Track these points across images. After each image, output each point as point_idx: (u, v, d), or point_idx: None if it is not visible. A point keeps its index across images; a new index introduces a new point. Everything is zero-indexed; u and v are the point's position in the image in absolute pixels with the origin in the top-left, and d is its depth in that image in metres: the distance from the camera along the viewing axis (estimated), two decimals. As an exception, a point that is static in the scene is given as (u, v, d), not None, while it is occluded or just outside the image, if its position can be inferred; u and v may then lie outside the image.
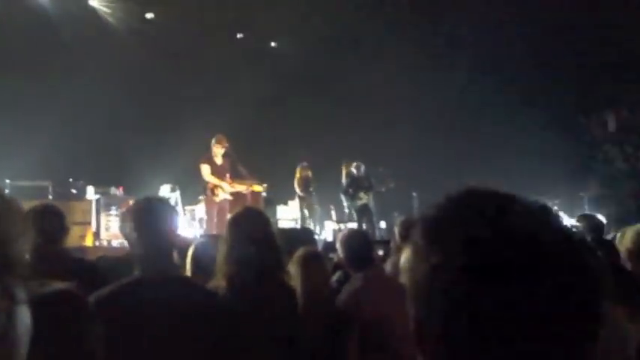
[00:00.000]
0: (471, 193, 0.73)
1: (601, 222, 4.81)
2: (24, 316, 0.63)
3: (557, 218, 0.72)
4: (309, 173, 11.11)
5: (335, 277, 4.30)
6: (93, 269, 3.49)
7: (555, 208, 10.81)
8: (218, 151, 9.09)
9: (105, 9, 12.37)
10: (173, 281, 2.37)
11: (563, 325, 0.65)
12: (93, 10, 12.33)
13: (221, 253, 2.61)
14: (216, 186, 9.00)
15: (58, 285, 1.30)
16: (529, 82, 13.45)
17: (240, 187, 9.34)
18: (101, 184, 9.97)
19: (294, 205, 11.64)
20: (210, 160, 9.05)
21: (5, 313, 0.61)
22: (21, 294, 0.62)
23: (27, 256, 0.65)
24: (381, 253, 5.61)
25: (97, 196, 9.64)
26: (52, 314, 1.09)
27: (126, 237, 2.56)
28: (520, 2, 12.48)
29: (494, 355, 0.65)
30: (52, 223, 3.33)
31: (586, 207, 13.31)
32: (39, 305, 1.22)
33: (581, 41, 13.05)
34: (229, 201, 9.09)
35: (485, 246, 0.67)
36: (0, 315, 0.60)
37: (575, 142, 14.95)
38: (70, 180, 9.80)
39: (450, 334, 0.68)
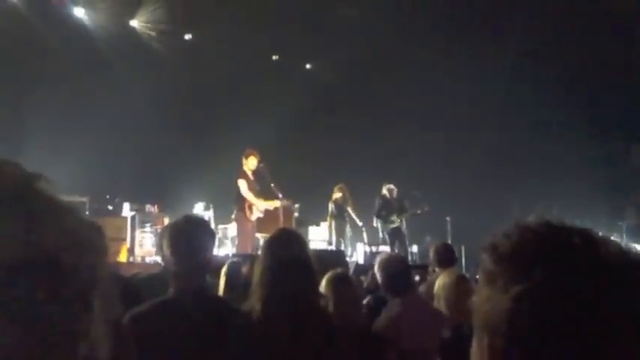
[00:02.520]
0: (548, 224, 0.72)
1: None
2: (108, 331, 0.66)
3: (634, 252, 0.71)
4: (345, 195, 11.07)
5: (365, 301, 4.24)
6: (128, 286, 3.49)
7: None
8: (251, 165, 8.93)
9: (145, 29, 12.64)
10: (207, 300, 2.36)
11: None
12: (133, 30, 12.62)
13: (256, 275, 2.58)
14: (251, 204, 8.91)
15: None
16: (570, 108, 13.24)
17: (272, 204, 9.22)
18: (137, 202, 10.09)
19: (325, 226, 11.59)
20: (246, 176, 8.90)
21: (101, 331, 0.65)
22: (107, 315, 0.66)
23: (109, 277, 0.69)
24: (417, 278, 5.53)
25: (133, 213, 9.76)
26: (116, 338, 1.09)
27: (162, 254, 2.57)
28: (563, 24, 12.32)
29: None
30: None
31: (624, 235, 12.97)
32: None
33: (622, 68, 12.84)
34: (260, 219, 8.99)
35: (575, 279, 0.65)
36: (98, 332, 0.64)
37: (615, 170, 14.60)
38: (107, 197, 9.95)
39: None
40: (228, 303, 2.74)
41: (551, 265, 0.67)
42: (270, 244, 2.67)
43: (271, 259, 2.55)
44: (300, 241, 2.70)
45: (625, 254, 0.68)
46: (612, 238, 0.73)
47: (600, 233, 0.73)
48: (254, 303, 2.51)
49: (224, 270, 4.30)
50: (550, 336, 0.65)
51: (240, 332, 2.27)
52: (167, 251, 2.47)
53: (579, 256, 0.67)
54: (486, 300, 0.70)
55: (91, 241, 0.64)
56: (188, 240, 2.41)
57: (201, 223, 2.62)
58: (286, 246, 2.60)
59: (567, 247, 0.68)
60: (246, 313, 2.46)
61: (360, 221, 11.32)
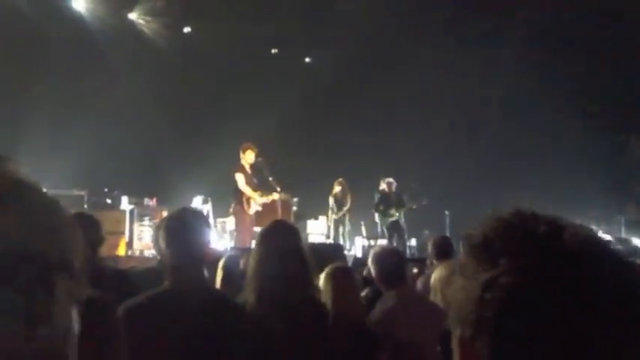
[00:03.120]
0: (519, 213, 0.72)
1: (637, 246, 4.67)
2: (76, 319, 0.65)
3: (607, 243, 0.71)
4: (345, 189, 11.09)
5: (363, 293, 4.25)
6: (126, 279, 3.50)
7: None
8: (248, 159, 8.94)
9: (143, 22, 12.62)
10: (202, 293, 2.36)
11: (616, 350, 0.63)
12: (131, 23, 12.59)
13: (250, 266, 2.59)
14: (249, 197, 8.92)
15: (89, 292, 1.31)
16: (569, 99, 13.21)
17: (270, 198, 9.24)
18: (135, 195, 10.11)
19: (324, 219, 11.62)
20: (243, 170, 8.91)
21: (66, 313, 0.63)
22: (76, 296, 0.65)
23: (82, 260, 0.68)
24: (415, 270, 5.54)
25: (131, 207, 9.77)
26: (82, 319, 1.10)
27: (157, 247, 2.57)
28: (562, 19, 12.29)
29: None
30: (86, 232, 3.35)
31: (623, 229, 12.97)
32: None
33: (622, 61, 12.81)
34: (258, 213, 9.00)
35: (538, 266, 0.66)
36: (62, 314, 0.63)
37: (615, 163, 14.57)
38: (106, 190, 9.96)
39: (498, 355, 0.66)
40: (225, 295, 2.75)
41: (516, 253, 0.67)
42: (264, 235, 2.68)
43: (265, 251, 2.56)
44: (294, 233, 2.70)
45: (591, 242, 0.69)
46: (588, 226, 0.73)
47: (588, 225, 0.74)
48: (248, 295, 2.52)
49: (221, 263, 4.30)
50: (515, 324, 0.65)
51: (235, 324, 2.28)
52: (162, 244, 2.47)
53: (543, 244, 0.67)
54: (459, 290, 0.71)
55: (51, 222, 0.64)
56: (183, 233, 2.41)
57: (196, 216, 2.62)
58: (280, 237, 2.61)
59: (533, 236, 0.68)
60: (240, 305, 2.47)
61: (353, 217, 11.38)
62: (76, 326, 0.65)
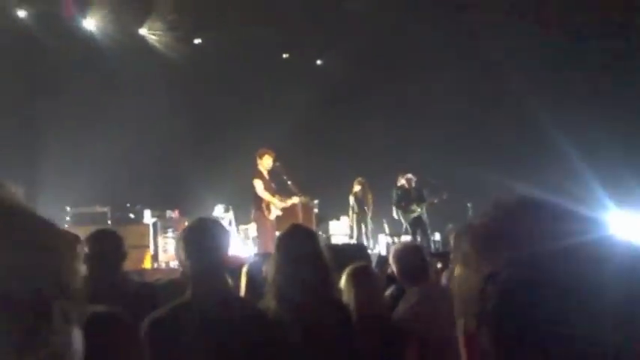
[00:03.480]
0: (522, 202, 0.71)
1: None
2: (78, 337, 0.65)
3: (611, 235, 0.70)
4: (365, 188, 11.08)
5: (389, 291, 4.23)
6: (152, 292, 3.54)
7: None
8: (266, 164, 8.93)
9: (154, 37, 12.75)
10: (223, 301, 2.37)
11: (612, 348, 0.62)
12: (142, 39, 12.73)
13: (270, 272, 2.60)
14: (268, 203, 8.95)
15: (101, 308, 1.33)
16: (595, 86, 13.01)
17: (289, 202, 9.23)
18: (157, 208, 10.20)
19: (346, 220, 11.61)
20: (261, 176, 8.90)
21: (64, 334, 0.63)
22: (75, 316, 0.65)
23: (80, 280, 0.68)
24: (439, 265, 5.51)
25: (154, 220, 9.86)
26: (92, 336, 1.11)
27: (179, 258, 2.60)
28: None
29: None
30: (109, 247, 3.40)
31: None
32: (92, 326, 1.25)
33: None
34: (279, 217, 8.99)
35: (540, 257, 0.65)
36: (59, 337, 0.62)
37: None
38: (128, 205, 10.07)
39: (500, 346, 0.66)
40: (247, 302, 2.76)
41: (518, 245, 0.67)
42: (281, 241, 2.69)
43: (283, 256, 2.57)
44: (312, 236, 2.71)
45: (595, 237, 0.68)
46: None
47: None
48: (269, 301, 2.53)
49: (245, 270, 4.33)
50: (515, 317, 0.64)
51: (257, 331, 2.28)
52: (182, 255, 2.50)
53: (546, 237, 0.67)
54: (462, 281, 0.71)
55: (45, 246, 0.64)
56: (201, 242, 2.44)
57: (214, 224, 2.63)
58: (297, 242, 2.61)
59: (536, 227, 0.68)
60: (262, 311, 2.48)
61: (375, 215, 11.36)
62: (79, 344, 0.66)
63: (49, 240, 0.65)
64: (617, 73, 13.57)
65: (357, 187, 11.12)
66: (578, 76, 13.24)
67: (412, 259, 3.33)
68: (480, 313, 0.68)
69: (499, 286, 0.66)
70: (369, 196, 11.11)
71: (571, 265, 0.64)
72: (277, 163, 9.04)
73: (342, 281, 2.99)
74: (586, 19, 12.48)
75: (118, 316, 1.38)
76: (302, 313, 2.44)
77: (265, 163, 8.93)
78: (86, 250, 3.29)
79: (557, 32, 12.93)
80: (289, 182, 9.18)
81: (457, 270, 3.37)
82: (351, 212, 11.30)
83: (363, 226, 11.17)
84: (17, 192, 0.69)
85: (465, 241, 0.75)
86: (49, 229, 0.66)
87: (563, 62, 13.33)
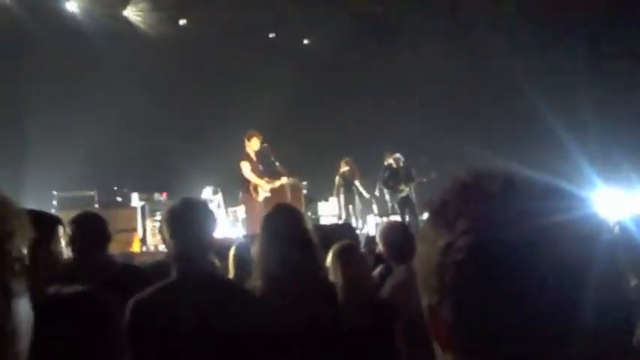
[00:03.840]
0: (474, 173, 0.70)
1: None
2: (23, 309, 0.63)
3: (560, 194, 0.69)
4: (352, 168, 11.06)
5: (377, 270, 4.24)
6: (137, 273, 3.52)
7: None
8: (254, 146, 8.93)
9: (138, 18, 12.59)
10: (208, 282, 2.36)
11: (577, 308, 0.62)
12: (126, 20, 12.56)
13: (255, 252, 2.59)
14: (256, 185, 8.93)
15: (77, 287, 1.32)
16: (583, 66, 13.02)
17: (277, 183, 9.22)
18: (145, 191, 10.16)
19: (334, 200, 11.61)
20: (248, 158, 8.91)
21: (2, 304, 0.61)
22: (18, 287, 0.62)
23: (24, 253, 0.65)
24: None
25: (142, 203, 9.83)
26: (67, 314, 1.10)
27: (163, 239, 2.58)
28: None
29: (508, 339, 0.63)
30: (92, 230, 3.38)
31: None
32: (57, 305, 1.24)
33: None
34: (268, 198, 8.99)
35: (490, 225, 0.65)
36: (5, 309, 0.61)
37: (631, 118, 14.22)
38: (115, 188, 10.01)
39: (461, 318, 0.66)
40: (232, 282, 2.76)
41: (471, 214, 0.66)
42: (266, 220, 2.67)
43: (268, 235, 2.56)
44: (297, 215, 2.69)
45: (544, 196, 0.67)
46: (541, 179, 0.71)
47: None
48: (255, 280, 2.52)
49: (232, 251, 4.32)
50: (473, 286, 0.64)
51: (244, 311, 2.27)
52: (167, 235, 2.48)
53: (497, 203, 0.66)
54: (420, 257, 0.70)
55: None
56: (186, 222, 2.41)
57: (198, 205, 2.61)
58: (282, 221, 2.60)
59: (486, 195, 0.67)
60: (248, 291, 2.47)
61: (368, 193, 11.34)
62: (24, 316, 0.64)
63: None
64: (606, 53, 13.60)
65: (344, 167, 11.10)
66: (567, 57, 13.25)
67: (399, 237, 3.33)
68: (439, 286, 0.67)
69: (455, 255, 0.65)
70: (357, 175, 11.11)
71: (532, 232, 0.63)
72: (265, 145, 9.02)
73: (328, 260, 2.99)
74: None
75: (89, 296, 1.36)
76: (288, 291, 2.44)
77: (253, 144, 8.91)
78: (70, 232, 3.26)
79: (545, 14, 12.88)
80: (277, 163, 9.17)
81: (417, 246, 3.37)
82: (336, 192, 11.29)
83: (350, 207, 11.17)
84: None
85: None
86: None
87: (552, 42, 13.33)
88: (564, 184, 0.71)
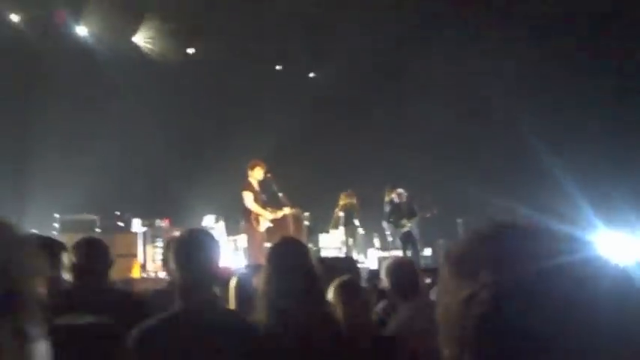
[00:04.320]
0: (497, 225, 0.71)
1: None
2: (40, 352, 0.61)
3: (592, 253, 0.69)
4: (353, 201, 11.04)
5: (380, 306, 4.20)
6: (139, 302, 3.48)
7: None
8: (257, 176, 8.93)
9: (147, 45, 12.73)
10: (213, 313, 2.34)
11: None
12: (135, 47, 12.71)
13: (260, 285, 2.57)
14: (257, 215, 8.91)
15: (92, 319, 1.30)
16: (582, 103, 13.11)
17: (280, 213, 9.19)
18: (147, 217, 10.14)
19: (336, 233, 11.56)
20: (251, 187, 8.90)
21: (18, 351, 0.59)
22: (35, 331, 0.60)
23: (42, 294, 0.63)
24: (428, 281, 5.48)
25: (144, 229, 9.80)
26: (82, 346, 1.09)
27: (167, 269, 2.57)
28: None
29: None
30: (95, 256, 3.35)
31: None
32: (71, 336, 1.22)
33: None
34: (270, 229, 8.95)
35: (512, 278, 0.65)
36: (13, 353, 0.59)
37: (635, 162, 14.24)
38: (117, 213, 10.00)
39: None
40: (237, 315, 2.72)
41: (493, 267, 0.66)
42: (272, 253, 2.66)
43: (273, 269, 2.54)
44: (302, 249, 2.68)
45: (569, 253, 0.66)
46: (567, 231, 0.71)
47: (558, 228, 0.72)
48: (259, 313, 2.50)
49: (234, 282, 4.28)
50: (495, 340, 0.64)
51: (248, 344, 2.25)
52: (172, 265, 2.46)
53: (520, 257, 0.66)
54: (442, 308, 0.70)
55: None
56: (192, 253, 2.40)
57: (205, 235, 2.60)
58: (288, 254, 2.58)
59: (509, 248, 0.67)
60: (252, 324, 2.44)
61: (364, 229, 11.35)
62: (45, 355, 0.62)
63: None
64: (608, 96, 13.70)
65: (345, 200, 11.07)
66: (568, 99, 13.35)
67: (405, 274, 3.31)
68: (460, 337, 0.66)
69: (478, 307, 0.65)
70: (358, 209, 11.08)
71: (556, 284, 0.63)
72: (268, 175, 9.03)
73: (330, 294, 2.97)
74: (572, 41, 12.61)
75: (107, 327, 1.34)
76: (293, 325, 2.41)
77: (256, 174, 8.92)
78: (72, 258, 3.23)
79: (546, 56, 13.04)
80: (280, 194, 9.16)
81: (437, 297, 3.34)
82: (335, 225, 11.25)
83: (350, 240, 11.12)
84: None
85: (443, 266, 0.74)
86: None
87: (553, 85, 13.45)
88: (581, 234, 0.71)
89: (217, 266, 2.53)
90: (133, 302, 3.32)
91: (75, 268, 3.19)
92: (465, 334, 0.66)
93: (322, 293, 2.67)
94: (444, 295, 0.71)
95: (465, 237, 0.73)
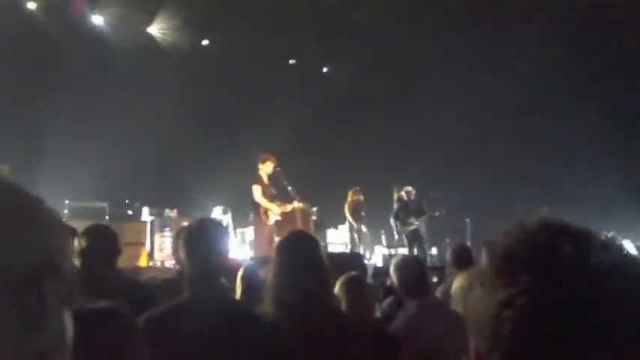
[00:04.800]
0: (547, 226, 0.69)
1: None
2: (69, 322, 0.63)
3: (635, 259, 0.68)
4: (361, 198, 11.03)
5: (387, 302, 4.21)
6: (146, 290, 3.51)
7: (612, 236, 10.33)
8: (267, 170, 8.96)
9: (162, 35, 12.76)
10: (221, 303, 2.35)
11: None
12: (150, 37, 12.74)
13: (269, 277, 2.58)
14: (266, 209, 8.94)
15: (104, 303, 1.32)
16: (588, 107, 13.07)
17: (288, 207, 9.22)
18: (156, 206, 10.16)
19: (344, 229, 11.57)
20: (260, 181, 8.93)
21: (57, 316, 0.61)
22: (67, 297, 0.63)
23: (71, 263, 0.65)
24: (435, 279, 5.49)
25: (152, 218, 9.83)
26: (94, 330, 1.10)
27: (177, 257, 2.59)
28: (577, 26, 12.15)
29: None
30: (103, 243, 3.37)
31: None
32: (83, 320, 1.23)
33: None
34: (278, 222, 9.00)
35: (560, 289, 0.63)
36: (53, 318, 0.60)
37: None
38: (127, 201, 10.04)
39: None
40: (244, 306, 2.74)
41: (538, 272, 0.65)
42: (282, 246, 2.67)
43: (283, 262, 2.54)
44: (313, 243, 2.69)
45: (620, 267, 0.65)
46: (616, 241, 0.69)
47: (607, 236, 0.71)
48: (267, 306, 2.51)
49: (241, 273, 4.30)
50: (530, 346, 0.63)
51: (254, 336, 2.26)
52: (182, 254, 2.48)
53: (568, 265, 0.64)
54: (476, 301, 0.69)
55: (37, 225, 0.62)
56: (202, 243, 2.42)
57: (215, 226, 2.62)
58: (298, 248, 2.59)
59: (558, 254, 0.65)
60: (260, 316, 2.46)
61: (372, 226, 11.35)
62: (70, 331, 0.63)
63: (40, 215, 0.63)
64: (616, 106, 13.69)
65: (353, 197, 11.07)
66: (575, 102, 13.30)
67: (413, 271, 3.31)
68: (492, 337, 0.66)
69: (515, 312, 0.64)
70: (364, 206, 11.08)
71: (599, 300, 0.62)
72: (277, 168, 9.04)
73: (336, 290, 2.98)
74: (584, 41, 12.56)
75: (117, 312, 1.36)
76: (300, 319, 2.42)
77: (266, 168, 8.94)
78: (81, 244, 3.26)
79: (558, 61, 13.00)
80: (289, 188, 9.18)
81: (458, 282, 3.36)
82: (347, 222, 11.27)
83: (355, 235, 11.12)
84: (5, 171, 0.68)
85: (485, 258, 0.72)
86: (41, 208, 0.64)
87: (564, 89, 13.43)
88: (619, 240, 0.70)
89: (226, 257, 2.55)
90: (140, 290, 3.34)
91: (82, 254, 3.22)
92: (497, 335, 0.65)
93: (331, 288, 2.69)
94: (479, 289, 0.70)
95: (510, 232, 0.70)
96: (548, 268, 0.64)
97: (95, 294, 2.03)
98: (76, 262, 3.25)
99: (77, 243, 3.30)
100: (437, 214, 10.84)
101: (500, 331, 0.64)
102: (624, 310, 0.62)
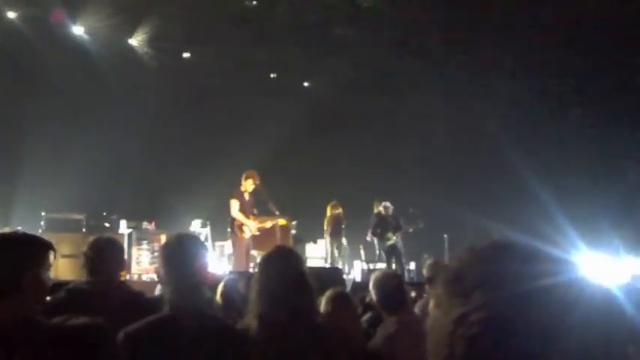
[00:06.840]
0: (494, 245, 0.71)
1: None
2: None
3: (583, 277, 0.69)
4: (340, 211, 11.04)
5: (365, 318, 4.22)
6: (150, 303, 3.47)
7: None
8: (248, 187, 8.99)
9: (143, 47, 12.72)
10: (202, 318, 2.35)
11: None
12: (131, 49, 12.69)
13: (253, 292, 2.58)
14: (242, 224, 8.93)
15: (83, 319, 1.31)
16: (566, 125, 13.30)
17: (267, 224, 9.24)
18: (134, 219, 10.07)
19: (323, 243, 11.56)
20: (240, 197, 8.94)
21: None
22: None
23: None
24: (413, 294, 5.51)
25: (130, 230, 9.73)
26: (73, 347, 1.10)
27: (158, 274, 2.58)
28: (566, 39, 12.31)
29: None
30: (110, 256, 3.34)
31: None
32: (62, 337, 1.23)
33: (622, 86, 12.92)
34: (256, 237, 9.00)
35: (506, 302, 0.64)
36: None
37: (615, 187, 14.53)
38: (104, 214, 9.93)
39: None
40: (223, 321, 2.73)
41: (488, 288, 0.66)
42: (266, 261, 2.66)
43: (267, 277, 2.54)
44: (297, 259, 2.69)
45: (564, 277, 0.67)
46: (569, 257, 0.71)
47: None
48: (250, 320, 2.50)
49: (220, 287, 4.29)
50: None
51: (234, 350, 2.26)
52: (161, 270, 2.47)
53: (516, 279, 0.66)
54: (433, 323, 0.69)
55: None
56: (180, 258, 2.41)
57: (193, 240, 2.61)
58: (282, 263, 2.59)
59: (505, 270, 0.67)
60: (242, 331, 2.45)
61: (351, 240, 11.36)
62: None
63: None
64: (589, 119, 13.93)
65: (332, 211, 11.07)
66: (551, 123, 13.54)
67: (392, 287, 3.32)
68: (448, 355, 0.66)
69: (468, 328, 0.65)
70: (343, 220, 11.08)
71: (544, 307, 0.63)
72: (257, 183, 9.04)
73: (322, 305, 2.99)
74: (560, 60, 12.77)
75: (96, 327, 1.35)
76: (284, 334, 2.42)
77: (247, 185, 8.95)
78: (88, 254, 3.25)
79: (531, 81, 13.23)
80: (270, 202, 9.17)
81: (430, 308, 3.37)
82: (325, 236, 11.25)
83: (335, 250, 11.11)
84: None
85: (438, 282, 0.74)
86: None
87: (541, 111, 13.66)
88: (568, 256, 0.71)
89: (205, 271, 2.54)
90: (143, 302, 3.32)
91: (90, 265, 3.22)
92: (454, 354, 0.65)
93: (314, 304, 2.69)
94: (436, 311, 0.71)
95: (461, 254, 0.72)
96: (498, 284, 0.66)
97: (97, 307, 2.03)
98: (83, 272, 3.26)
99: (54, 257, 3.27)
100: (411, 229, 10.90)
101: (455, 349, 0.65)
102: (564, 318, 0.63)
